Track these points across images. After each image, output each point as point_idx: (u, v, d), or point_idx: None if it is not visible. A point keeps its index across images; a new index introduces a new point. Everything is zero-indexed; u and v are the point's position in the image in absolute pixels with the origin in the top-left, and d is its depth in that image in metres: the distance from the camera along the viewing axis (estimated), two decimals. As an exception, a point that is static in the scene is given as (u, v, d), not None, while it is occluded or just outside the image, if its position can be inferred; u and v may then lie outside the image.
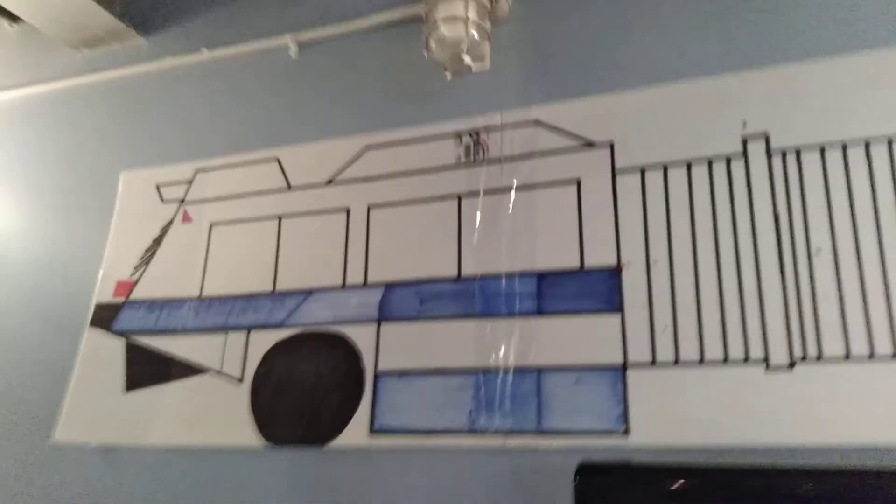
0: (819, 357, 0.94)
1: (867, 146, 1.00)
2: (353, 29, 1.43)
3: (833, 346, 0.94)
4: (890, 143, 0.99)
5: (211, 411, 1.26)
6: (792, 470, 0.79)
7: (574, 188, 1.15)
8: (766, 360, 0.96)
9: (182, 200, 1.46)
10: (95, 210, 1.53)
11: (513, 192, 1.19)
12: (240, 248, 1.36)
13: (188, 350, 1.32)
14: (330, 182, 1.33)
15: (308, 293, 1.27)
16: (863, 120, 1.01)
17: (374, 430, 1.14)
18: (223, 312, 1.32)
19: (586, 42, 1.23)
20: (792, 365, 0.95)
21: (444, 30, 1.18)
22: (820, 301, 0.97)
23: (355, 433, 1.15)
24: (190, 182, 1.46)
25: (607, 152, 1.15)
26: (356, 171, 1.32)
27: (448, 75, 1.25)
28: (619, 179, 1.13)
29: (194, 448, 1.25)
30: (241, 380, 1.25)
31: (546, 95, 1.23)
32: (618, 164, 1.13)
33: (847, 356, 0.93)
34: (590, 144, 1.16)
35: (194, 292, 1.36)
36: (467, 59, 1.20)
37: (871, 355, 0.92)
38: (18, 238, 1.59)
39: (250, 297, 1.31)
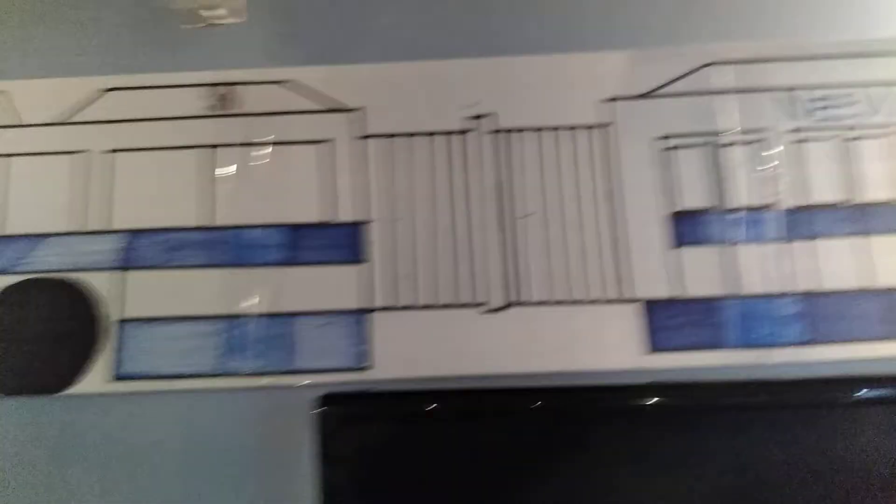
0: (523, 301, 1.20)
1: (576, 130, 1.27)
2: (96, -38, 1.42)
3: (534, 293, 1.20)
4: (589, 129, 1.27)
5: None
6: (521, 389, 1.01)
7: (326, 147, 1.29)
8: (486, 303, 1.20)
9: None
10: None
11: (266, 147, 1.29)
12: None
13: None
14: (67, 122, 1.32)
15: (41, 237, 1.26)
16: (568, 109, 1.28)
17: (117, 376, 1.18)
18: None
19: (343, 11, 1.37)
20: (506, 307, 1.19)
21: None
22: (529, 256, 1.22)
23: (96, 380, 1.19)
24: None
25: (359, 116, 1.30)
26: (97, 114, 1.33)
27: (190, 26, 1.31)
28: (368, 143, 1.29)
29: None
30: (-45, 328, 1.21)
31: (301, 57, 1.34)
32: (368, 130, 1.29)
33: (549, 301, 1.19)
34: (343, 108, 1.31)
35: None
36: (217, 13, 1.26)
37: (573, 301, 1.20)
38: None
39: (-33, 241, 1.26)
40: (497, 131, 1.29)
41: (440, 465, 0.98)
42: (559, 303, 1.21)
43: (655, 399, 1.01)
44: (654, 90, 1.29)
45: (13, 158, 1.31)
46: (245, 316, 1.21)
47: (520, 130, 1.29)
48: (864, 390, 1.00)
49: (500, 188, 1.26)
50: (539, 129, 1.29)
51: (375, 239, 1.24)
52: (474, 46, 1.33)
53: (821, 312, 1.20)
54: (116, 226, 1.26)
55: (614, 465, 0.99)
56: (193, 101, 1.32)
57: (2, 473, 1.18)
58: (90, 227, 1.26)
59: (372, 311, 1.21)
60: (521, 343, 1.19)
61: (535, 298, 1.21)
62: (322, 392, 1.06)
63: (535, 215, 1.24)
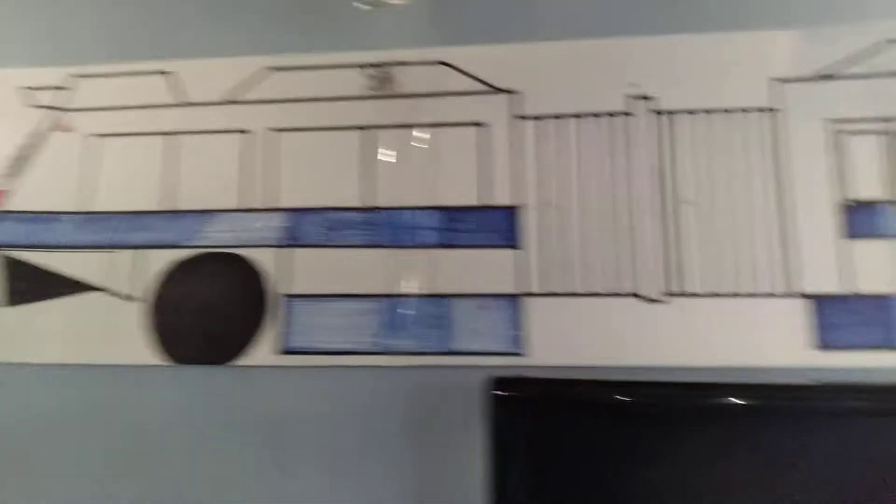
0: (685, 293, 1.18)
1: (744, 113, 1.22)
2: (260, -56, 1.46)
3: (696, 284, 1.18)
4: (757, 112, 1.22)
5: (104, 329, 1.32)
6: (686, 384, 1.01)
7: (478, 130, 1.29)
8: (645, 293, 1.18)
9: (55, 108, 1.43)
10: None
11: (420, 129, 1.31)
12: (128, 164, 1.39)
13: (72, 267, 1.35)
14: (231, 101, 1.38)
15: (208, 214, 1.33)
16: (735, 91, 1.23)
17: (282, 350, 1.25)
18: (109, 229, 1.35)
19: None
20: (666, 298, 1.18)
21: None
22: (691, 245, 1.19)
23: (262, 353, 1.26)
24: (63, 88, 1.44)
25: (511, 98, 1.30)
26: (259, 93, 1.38)
27: (363, 7, 1.33)
28: (521, 125, 1.28)
29: (87, 365, 1.30)
30: (136, 299, 1.30)
31: (456, 38, 1.35)
32: (520, 112, 1.29)
33: (711, 293, 1.17)
34: (495, 90, 1.30)
35: (75, 206, 1.37)
36: (387, -6, 1.29)
37: (735, 293, 1.18)
38: None
39: (141, 215, 1.35)
40: (658, 113, 1.26)
41: (611, 455, 0.99)
42: (722, 295, 1.18)
43: (824, 399, 0.98)
44: (828, 71, 1.23)
45: (183, 136, 1.38)
46: (403, 296, 1.24)
47: (682, 112, 1.25)
48: None
49: (662, 173, 1.24)
50: (703, 112, 1.25)
51: (531, 223, 1.25)
52: (635, 24, 1.30)
53: None
54: (281, 204, 1.32)
55: (780, 466, 0.98)
56: (355, 81, 1.35)
57: (171, 439, 1.27)
58: (256, 205, 1.32)
59: (527, 296, 1.22)
60: (680, 335, 1.18)
61: (697, 290, 1.19)
62: (479, 375, 1.09)
63: (697, 202, 1.22)
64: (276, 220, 1.31)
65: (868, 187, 1.18)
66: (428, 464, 1.20)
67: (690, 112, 1.25)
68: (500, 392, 1.01)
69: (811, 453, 0.97)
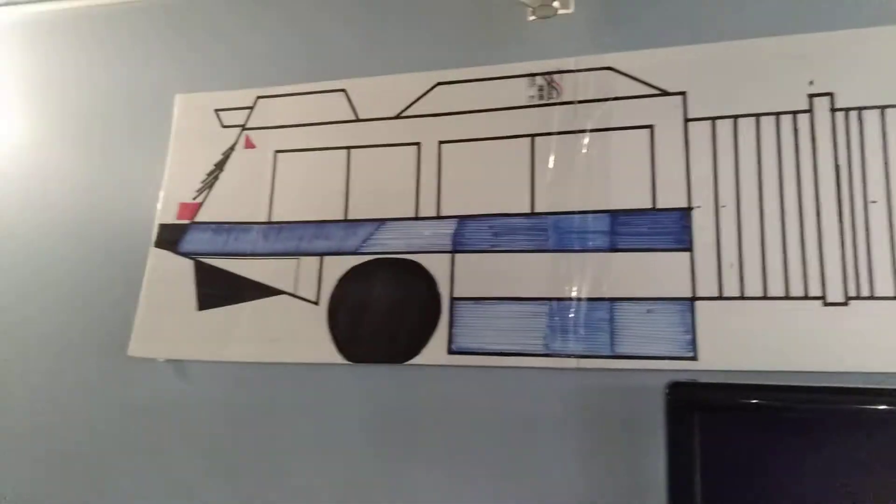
0: (871, 296, 1.13)
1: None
2: (429, -38, 1.54)
3: (884, 286, 1.13)
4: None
5: (287, 330, 1.42)
6: (868, 389, 0.97)
7: (647, 133, 1.31)
8: (823, 296, 1.15)
9: (243, 126, 1.57)
10: (149, 133, 1.65)
11: (587, 135, 1.34)
12: (307, 177, 1.50)
13: (260, 273, 1.46)
14: (399, 115, 1.46)
15: (381, 222, 1.41)
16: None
17: (451, 350, 1.30)
18: (293, 237, 1.46)
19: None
20: (846, 302, 1.14)
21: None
22: (874, 246, 1.14)
23: (434, 353, 1.32)
24: (251, 108, 1.57)
25: (680, 101, 1.30)
26: (426, 107, 1.45)
27: (532, 16, 1.37)
28: (690, 127, 1.28)
29: (271, 364, 1.41)
30: (316, 302, 1.40)
31: (621, 43, 1.37)
32: (690, 114, 1.29)
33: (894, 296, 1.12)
34: (663, 93, 1.31)
35: (262, 217, 1.49)
36: (556, 3, 1.32)
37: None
38: (69, 159, 1.69)
39: (321, 224, 1.45)
40: (835, 110, 1.22)
41: (786, 460, 0.97)
42: (903, 297, 1.13)
43: None
44: None
45: (355, 150, 1.48)
46: (569, 300, 1.27)
47: (866, 108, 1.21)
48: None
49: (839, 172, 1.20)
50: (883, 108, 1.20)
51: (699, 225, 1.24)
52: (806, 20, 1.27)
53: None
54: (445, 212, 1.38)
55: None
56: (520, 92, 1.40)
57: (348, 436, 1.36)
58: (425, 213, 1.39)
59: (698, 300, 1.21)
60: (862, 340, 1.13)
61: (879, 293, 1.14)
62: (648, 379, 1.09)
63: (879, 202, 1.17)
64: (445, 227, 1.37)
65: None
66: (594, 467, 1.21)
67: (874, 108, 1.20)
68: (676, 396, 1.01)
69: None
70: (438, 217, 1.39)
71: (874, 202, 1.17)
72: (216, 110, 1.60)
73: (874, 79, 1.22)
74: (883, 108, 1.20)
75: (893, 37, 1.23)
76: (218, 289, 1.49)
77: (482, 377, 1.30)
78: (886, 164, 1.18)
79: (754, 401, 1.01)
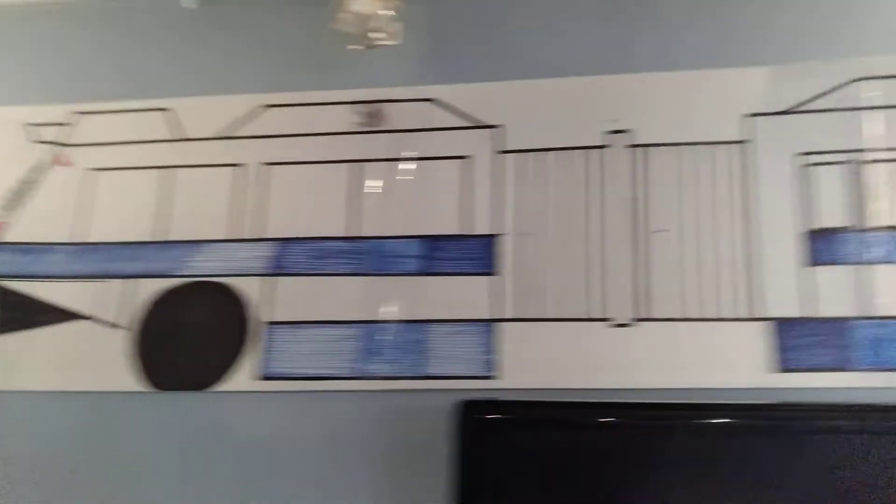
0: (653, 317, 1.23)
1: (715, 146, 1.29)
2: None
3: (664, 309, 1.22)
4: (728, 145, 1.29)
5: (88, 357, 1.37)
6: (656, 404, 1.04)
7: (462, 163, 1.35)
8: (612, 318, 1.23)
9: (57, 143, 1.51)
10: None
11: (407, 163, 1.37)
12: (124, 196, 1.46)
13: (62, 296, 1.41)
14: (225, 137, 1.45)
15: (197, 244, 1.38)
16: (707, 125, 1.30)
17: (262, 376, 1.29)
18: (102, 259, 1.41)
19: (484, 30, 1.44)
20: (634, 322, 1.22)
21: (358, 5, 1.32)
22: (660, 272, 1.23)
23: (243, 378, 1.30)
24: (66, 124, 1.52)
25: (496, 133, 1.37)
26: (253, 129, 1.45)
27: (355, 47, 1.40)
28: (503, 159, 1.34)
29: (71, 392, 1.35)
30: (119, 326, 1.35)
31: (446, 76, 1.43)
32: (505, 146, 1.35)
33: (678, 318, 1.21)
34: (482, 125, 1.37)
35: (73, 237, 1.44)
36: (379, 36, 1.35)
37: (700, 318, 1.22)
38: None
39: (136, 245, 1.41)
40: (634, 146, 1.32)
41: (580, 473, 1.01)
42: (688, 320, 1.22)
43: (780, 418, 1.02)
44: (797, 106, 1.29)
45: (178, 170, 1.45)
46: (383, 322, 1.29)
47: (656, 146, 1.31)
48: None
49: (635, 203, 1.29)
50: (676, 145, 1.30)
51: (508, 251, 1.30)
52: (615, 63, 1.37)
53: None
54: (266, 234, 1.37)
55: (734, 482, 1.00)
56: (345, 118, 1.43)
57: (150, 464, 1.31)
58: (245, 235, 1.38)
59: (501, 321, 1.26)
60: (648, 359, 1.21)
61: (664, 314, 1.22)
62: (454, 398, 1.12)
63: (668, 231, 1.26)
64: (263, 250, 1.36)
65: (831, 216, 1.23)
66: (398, 483, 1.22)
67: (664, 145, 1.30)
68: (468, 415, 1.05)
69: (771, 467, 1.00)
70: (261, 239, 1.38)
71: (665, 231, 1.26)
72: (27, 124, 1.53)
73: (670, 118, 1.32)
74: (676, 144, 1.30)
75: (687, 80, 1.34)
76: (17, 312, 1.41)
77: (291, 402, 1.29)
78: (680, 196, 1.28)
79: (543, 418, 1.06)
